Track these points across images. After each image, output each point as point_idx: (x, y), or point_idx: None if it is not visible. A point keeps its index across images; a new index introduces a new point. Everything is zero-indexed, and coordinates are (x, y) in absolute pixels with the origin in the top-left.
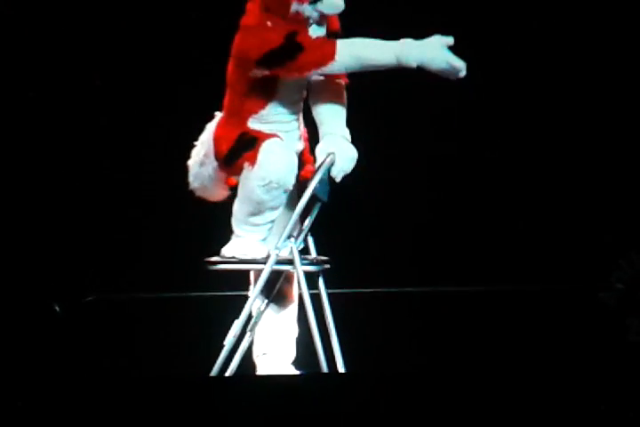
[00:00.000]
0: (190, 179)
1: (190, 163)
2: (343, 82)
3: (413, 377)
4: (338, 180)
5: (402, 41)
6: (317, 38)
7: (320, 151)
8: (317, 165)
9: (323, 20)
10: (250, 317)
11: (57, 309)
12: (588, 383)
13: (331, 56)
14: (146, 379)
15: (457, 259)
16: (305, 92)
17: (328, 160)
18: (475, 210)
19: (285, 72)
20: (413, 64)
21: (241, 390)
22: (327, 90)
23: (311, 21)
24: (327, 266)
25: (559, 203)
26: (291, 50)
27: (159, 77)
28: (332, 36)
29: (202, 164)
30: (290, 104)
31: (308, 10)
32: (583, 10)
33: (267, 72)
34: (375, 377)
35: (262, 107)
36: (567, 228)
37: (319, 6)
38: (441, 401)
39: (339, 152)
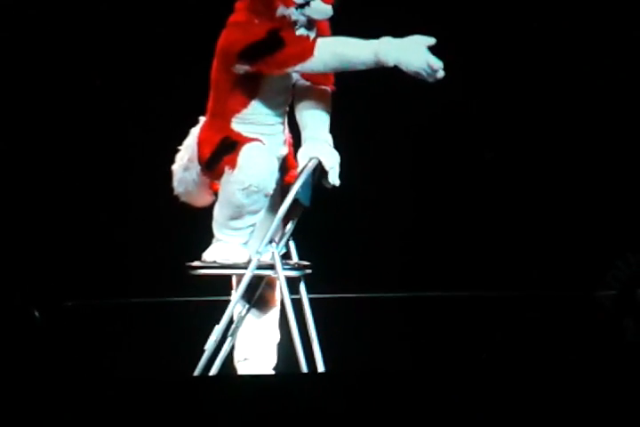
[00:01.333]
0: (175, 184)
1: (174, 167)
2: (329, 88)
3: (395, 378)
4: (338, 184)
5: (382, 39)
6: (300, 36)
7: (302, 155)
8: (299, 169)
9: (311, 24)
10: (231, 322)
11: (36, 314)
12: (585, 385)
13: (310, 52)
14: (125, 381)
15: (438, 264)
16: (290, 97)
17: (310, 165)
18: (460, 213)
19: (265, 67)
20: (391, 62)
21: (221, 390)
22: (312, 95)
23: (298, 25)
24: (308, 271)
25: (551, 206)
26: (271, 44)
27: (142, 81)
28: None
29: (186, 168)
30: (274, 106)
31: (294, 14)
32: (581, 10)
33: (248, 67)
34: (355, 377)
35: (245, 106)
36: (556, 231)
37: (307, 11)
38: (422, 402)
39: (322, 157)
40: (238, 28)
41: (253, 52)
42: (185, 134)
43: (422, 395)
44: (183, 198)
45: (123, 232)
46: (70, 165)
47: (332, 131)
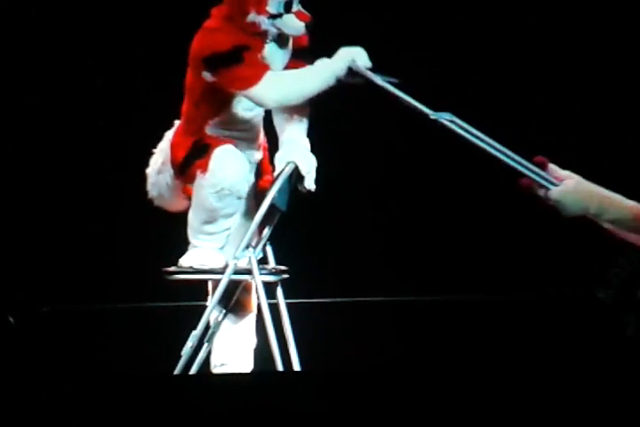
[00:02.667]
0: (148, 187)
1: (148, 171)
2: None
3: (371, 379)
4: (313, 189)
5: (321, 59)
6: (261, 62)
7: (279, 160)
8: (276, 173)
9: (283, 40)
10: (207, 327)
11: (11, 320)
12: (586, 382)
13: (256, 79)
14: (101, 380)
15: (417, 268)
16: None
17: (287, 169)
18: (443, 212)
19: (218, 81)
20: (346, 64)
21: (196, 389)
22: None
23: (269, 38)
24: (286, 276)
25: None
26: (231, 59)
27: (117, 84)
28: (298, 53)
29: (159, 172)
30: (248, 111)
31: (265, 23)
32: (580, 10)
33: (210, 76)
34: (331, 377)
35: (219, 112)
36: (556, 228)
37: (278, 23)
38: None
39: (299, 161)
40: (208, 34)
41: (215, 62)
42: (160, 138)
43: (400, 396)
44: (157, 202)
45: (99, 238)
46: (47, 168)
47: (315, 131)
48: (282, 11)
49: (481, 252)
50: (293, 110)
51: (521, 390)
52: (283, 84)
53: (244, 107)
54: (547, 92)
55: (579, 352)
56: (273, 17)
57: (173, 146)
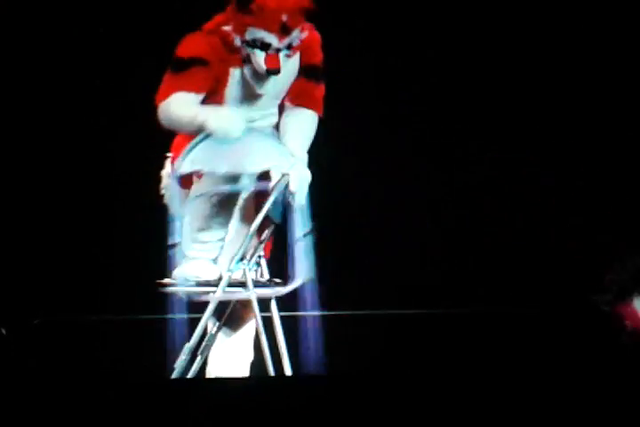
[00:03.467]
0: (162, 189)
1: (163, 173)
2: (317, 114)
3: (365, 382)
4: (302, 204)
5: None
6: (198, 81)
7: (274, 171)
8: (271, 185)
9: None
10: (201, 340)
11: (2, 331)
12: (583, 388)
13: (164, 96)
14: (94, 389)
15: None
16: (264, 108)
17: (282, 181)
18: (439, 225)
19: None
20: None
21: (191, 394)
22: (297, 117)
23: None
24: (281, 289)
25: (548, 210)
26: (178, 65)
27: (130, 86)
28: (310, 71)
29: (169, 175)
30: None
31: (238, 41)
32: (581, 10)
33: None
34: (326, 381)
35: None
36: (553, 234)
37: (249, 51)
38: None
39: (295, 173)
40: (190, 36)
41: (171, 63)
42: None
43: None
44: (166, 203)
45: (92, 249)
46: (42, 179)
47: (334, 129)
48: (257, 44)
49: (480, 264)
50: (295, 123)
51: (520, 397)
52: (172, 111)
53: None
54: (546, 92)
55: (575, 359)
56: (247, 43)
57: (173, 148)
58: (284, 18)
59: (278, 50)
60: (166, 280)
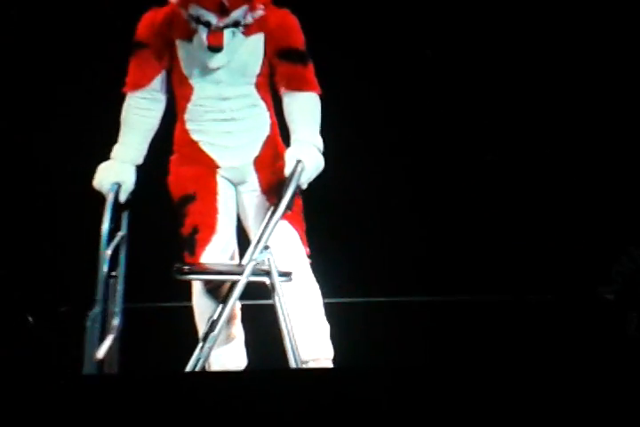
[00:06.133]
0: None
1: None
2: (316, 93)
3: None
4: (304, 187)
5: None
6: (142, 71)
7: (288, 158)
8: (288, 173)
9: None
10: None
11: (30, 320)
12: (588, 380)
13: (125, 90)
14: (111, 380)
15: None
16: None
17: (299, 169)
18: (452, 213)
19: None
20: None
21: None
22: (297, 101)
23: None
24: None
25: (554, 203)
26: (130, 51)
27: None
28: (288, 54)
29: None
30: (210, 96)
31: (184, 13)
32: (581, 10)
33: None
34: (332, 373)
35: (187, 98)
36: (559, 227)
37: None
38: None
39: (307, 159)
40: (147, 13)
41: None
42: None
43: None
44: None
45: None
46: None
47: (329, 132)
48: (200, 21)
49: (485, 252)
50: (298, 108)
51: (524, 389)
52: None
53: (204, 88)
54: (547, 93)
55: (581, 351)
56: (191, 17)
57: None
58: None
59: (221, 27)
60: (188, 267)
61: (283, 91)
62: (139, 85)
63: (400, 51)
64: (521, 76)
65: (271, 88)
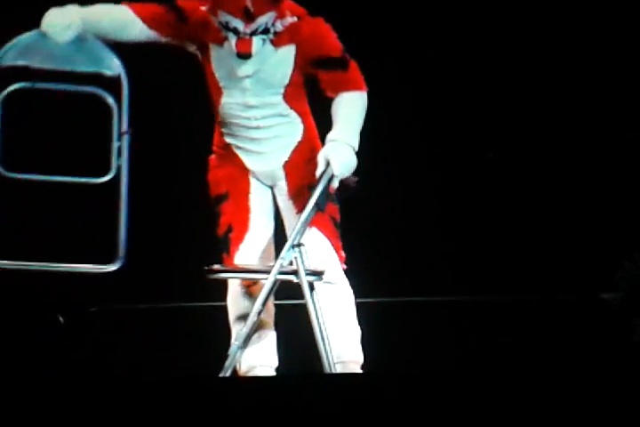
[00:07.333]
0: None
1: None
2: (359, 91)
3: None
4: (335, 185)
5: None
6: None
7: (320, 157)
8: (318, 173)
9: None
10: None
11: (61, 320)
12: (592, 386)
13: None
14: (135, 383)
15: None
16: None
17: (329, 170)
18: (460, 216)
19: None
20: None
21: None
22: (342, 98)
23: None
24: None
25: (557, 208)
26: None
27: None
28: (328, 63)
29: None
30: (236, 92)
31: (213, 20)
32: (581, 10)
33: None
34: (359, 379)
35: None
36: (563, 233)
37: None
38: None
39: (335, 158)
40: None
41: None
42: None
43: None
44: None
45: (145, 237)
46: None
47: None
48: (228, 27)
49: (485, 252)
50: (340, 108)
51: (527, 392)
52: None
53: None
54: (547, 93)
55: (585, 356)
56: (221, 24)
57: None
58: (248, 3)
59: (249, 34)
60: (217, 266)
61: (330, 95)
62: (141, 11)
63: (400, 51)
64: (524, 76)
65: (307, 95)
